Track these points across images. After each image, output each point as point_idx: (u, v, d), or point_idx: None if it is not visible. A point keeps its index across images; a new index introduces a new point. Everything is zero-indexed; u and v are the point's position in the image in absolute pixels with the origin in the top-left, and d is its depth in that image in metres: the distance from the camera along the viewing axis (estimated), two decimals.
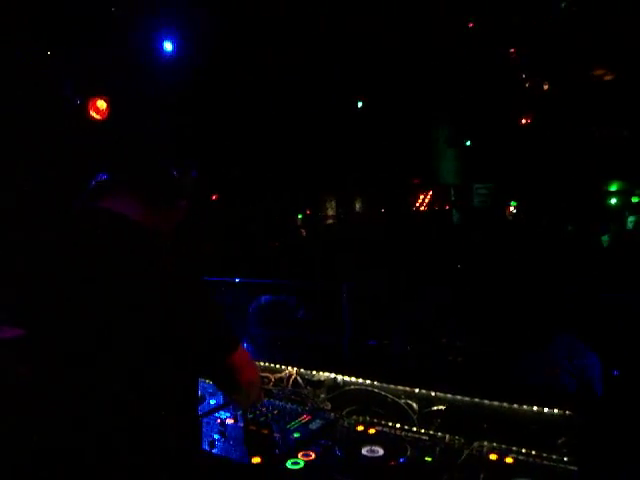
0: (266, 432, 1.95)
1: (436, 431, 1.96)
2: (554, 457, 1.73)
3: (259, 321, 3.44)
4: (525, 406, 1.91)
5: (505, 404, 1.94)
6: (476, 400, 2.00)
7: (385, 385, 2.20)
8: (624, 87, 9.43)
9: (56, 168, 4.86)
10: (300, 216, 15.16)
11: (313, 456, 1.81)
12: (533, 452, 1.76)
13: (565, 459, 1.70)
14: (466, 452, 1.79)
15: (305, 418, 2.13)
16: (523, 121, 11.70)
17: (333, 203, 15.72)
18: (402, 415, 2.09)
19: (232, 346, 1.37)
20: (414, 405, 2.10)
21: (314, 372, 2.39)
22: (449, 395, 2.05)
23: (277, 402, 2.31)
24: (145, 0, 5.53)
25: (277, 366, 2.50)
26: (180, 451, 1.30)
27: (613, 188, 13.18)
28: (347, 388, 2.29)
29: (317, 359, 2.55)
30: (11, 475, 1.17)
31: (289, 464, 1.76)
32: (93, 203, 1.36)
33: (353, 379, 2.29)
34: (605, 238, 7.53)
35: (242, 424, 2.00)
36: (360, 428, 2.02)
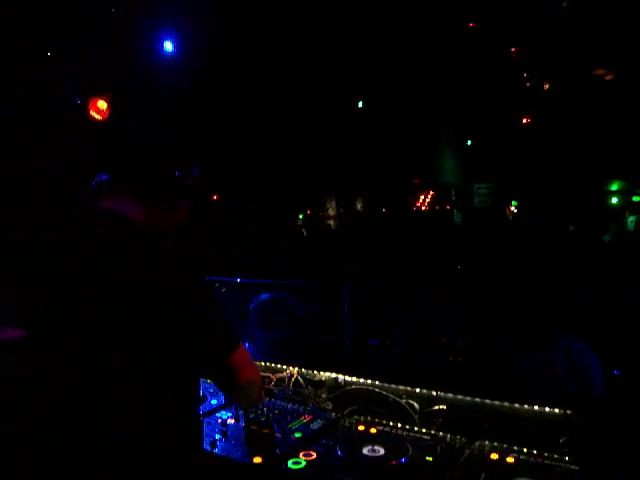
0: (267, 432, 1.95)
1: (437, 431, 1.96)
2: (555, 456, 1.72)
3: (259, 318, 3.44)
4: (526, 406, 1.91)
5: (506, 404, 1.94)
6: (477, 400, 2.00)
7: (386, 385, 2.20)
8: (624, 87, 9.43)
9: (56, 168, 4.86)
10: (301, 216, 15.17)
11: (314, 456, 1.81)
12: (534, 452, 1.76)
13: (566, 458, 1.70)
14: (467, 452, 1.79)
15: (306, 418, 2.13)
16: (524, 121, 11.71)
17: (334, 203, 15.72)
18: (403, 415, 2.09)
19: (232, 346, 1.37)
20: (415, 405, 2.10)
21: (315, 372, 2.39)
22: (450, 395, 2.05)
23: (278, 402, 2.31)
24: (145, 0, 5.54)
25: (278, 366, 2.50)
26: (181, 451, 1.30)
27: (614, 187, 13.17)
28: (348, 388, 2.29)
29: (318, 359, 2.55)
30: (11, 475, 1.17)
31: (290, 464, 1.76)
32: (94, 203, 1.36)
33: (354, 379, 2.29)
34: (607, 238, 7.53)
35: (243, 424, 2.00)
36: (361, 428, 2.02)
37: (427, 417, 2.06)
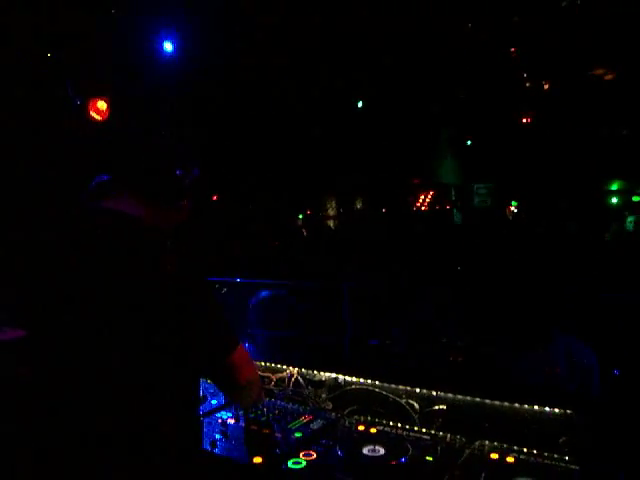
0: (267, 432, 1.95)
1: (437, 431, 1.96)
2: (555, 456, 1.72)
3: (259, 315, 3.44)
4: (526, 405, 1.91)
5: (506, 403, 1.94)
6: (477, 400, 2.00)
7: (386, 385, 2.20)
8: (624, 87, 9.43)
9: (56, 168, 4.86)
10: (301, 216, 15.17)
11: (314, 456, 1.81)
12: (534, 451, 1.76)
13: (566, 458, 1.70)
14: (467, 451, 1.79)
15: (306, 418, 2.13)
16: (524, 120, 11.71)
17: (334, 203, 15.72)
18: (403, 415, 2.09)
19: (232, 346, 1.37)
20: (415, 405, 2.10)
21: (315, 372, 2.39)
22: (450, 395, 2.05)
23: (278, 402, 2.31)
24: (145, 1, 5.54)
25: (278, 366, 2.50)
26: (181, 451, 1.30)
27: (614, 187, 13.18)
28: (348, 388, 2.30)
29: (318, 359, 2.55)
30: (11, 475, 1.17)
31: (290, 464, 1.76)
32: (94, 203, 1.36)
33: (354, 379, 2.29)
34: (608, 237, 7.55)
35: (243, 424, 2.00)
36: (361, 428, 2.02)
37: (427, 417, 2.06)
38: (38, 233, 1.30)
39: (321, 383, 2.35)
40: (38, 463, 1.16)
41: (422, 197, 16.77)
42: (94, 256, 1.22)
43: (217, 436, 1.98)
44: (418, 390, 2.12)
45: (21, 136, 4.93)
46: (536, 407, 1.89)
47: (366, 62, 7.99)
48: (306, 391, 2.35)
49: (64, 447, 1.17)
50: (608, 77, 9.44)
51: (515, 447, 1.80)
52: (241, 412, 2.10)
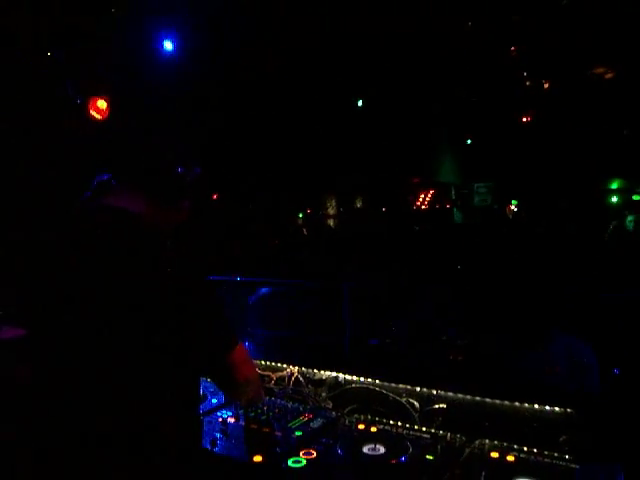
0: (267, 431, 1.95)
1: (437, 429, 1.96)
2: (555, 455, 1.72)
3: (259, 313, 3.45)
4: (526, 404, 1.91)
5: (506, 402, 1.94)
6: (477, 398, 2.00)
7: (386, 384, 2.20)
8: (624, 86, 9.43)
9: (56, 168, 4.87)
10: (301, 215, 15.18)
11: (314, 455, 1.81)
12: (534, 450, 1.76)
13: (566, 457, 1.70)
14: (467, 450, 1.79)
15: (306, 417, 2.13)
16: (524, 120, 11.71)
17: (334, 202, 15.72)
18: (403, 413, 2.09)
19: (231, 344, 1.37)
20: (415, 403, 2.10)
21: (315, 371, 2.39)
22: (450, 393, 2.05)
23: (278, 401, 2.31)
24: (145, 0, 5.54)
25: (278, 365, 2.50)
26: (181, 451, 1.30)
27: (614, 186, 13.18)
28: (348, 387, 2.30)
29: (318, 358, 2.55)
30: (11, 475, 1.17)
31: (290, 463, 1.76)
32: (96, 200, 1.36)
33: (354, 378, 2.29)
34: (609, 231, 7.56)
35: (243, 423, 2.01)
36: (361, 426, 2.02)
37: (427, 416, 2.06)
38: (38, 233, 1.30)
39: (321, 382, 2.35)
40: (38, 463, 1.17)
41: (422, 196, 16.78)
42: (94, 256, 1.22)
43: (217, 435, 1.98)
44: (418, 389, 2.12)
45: (21, 136, 4.93)
46: (536, 406, 1.90)
47: (366, 61, 7.98)
48: (306, 390, 2.35)
49: (64, 447, 1.17)
50: (608, 76, 9.44)
51: (515, 446, 1.80)
52: (241, 411, 2.11)
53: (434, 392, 2.08)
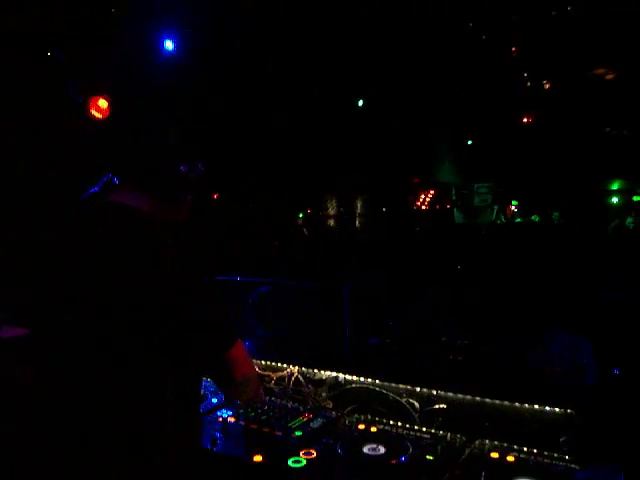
0: (267, 430, 1.95)
1: (437, 429, 1.96)
2: (555, 455, 1.73)
3: (259, 312, 3.44)
4: (526, 405, 1.91)
5: (506, 403, 1.94)
6: (477, 399, 2.00)
7: (386, 384, 2.20)
8: (625, 86, 9.43)
9: (57, 167, 4.87)
10: (301, 215, 15.17)
11: (314, 454, 1.81)
12: (534, 451, 1.76)
13: (566, 457, 1.70)
14: (467, 451, 1.79)
15: (306, 417, 2.13)
16: (524, 120, 11.71)
17: (334, 202, 15.71)
18: (403, 414, 2.10)
19: (230, 341, 1.37)
20: (415, 404, 2.10)
21: (315, 371, 2.39)
22: (450, 394, 2.05)
23: (278, 400, 2.31)
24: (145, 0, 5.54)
25: (278, 365, 2.50)
26: (181, 451, 1.30)
27: (614, 187, 13.18)
28: (348, 387, 2.30)
29: (318, 358, 2.55)
30: (11, 475, 1.17)
31: (290, 462, 1.76)
32: (99, 198, 1.36)
33: (354, 378, 2.29)
34: (609, 231, 7.57)
35: (243, 422, 2.01)
36: (361, 426, 2.03)
37: (427, 416, 2.06)
38: (38, 233, 1.30)
39: (321, 382, 2.35)
40: (38, 463, 1.16)
41: (422, 196, 16.78)
42: (94, 256, 1.22)
43: (217, 434, 1.98)
44: (418, 389, 2.13)
45: (21, 136, 4.93)
46: (536, 406, 1.90)
47: (366, 61, 7.98)
48: (306, 390, 2.35)
49: (64, 447, 1.16)
50: (609, 77, 9.44)
51: (515, 446, 1.80)
52: (241, 411, 2.11)
53: (434, 392, 2.08)
